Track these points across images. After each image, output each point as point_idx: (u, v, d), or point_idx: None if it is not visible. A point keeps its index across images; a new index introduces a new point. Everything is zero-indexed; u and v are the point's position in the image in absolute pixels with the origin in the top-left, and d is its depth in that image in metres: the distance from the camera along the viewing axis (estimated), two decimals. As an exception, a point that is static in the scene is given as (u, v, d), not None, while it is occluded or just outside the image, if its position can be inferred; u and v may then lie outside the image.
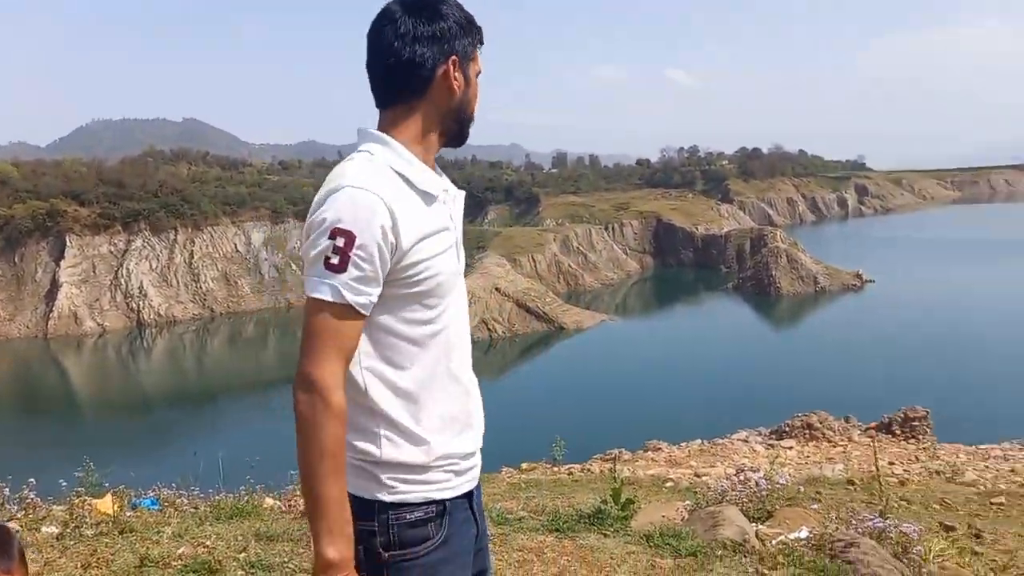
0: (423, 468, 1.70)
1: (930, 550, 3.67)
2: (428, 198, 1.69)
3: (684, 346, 63.29)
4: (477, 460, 1.92)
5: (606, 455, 11.89)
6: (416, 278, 1.65)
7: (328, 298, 1.55)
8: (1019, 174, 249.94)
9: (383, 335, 1.68)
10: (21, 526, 5.12)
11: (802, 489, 6.45)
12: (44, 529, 5.17)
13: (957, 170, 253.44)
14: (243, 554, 4.30)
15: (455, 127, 1.79)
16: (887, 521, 3.77)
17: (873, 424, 13.19)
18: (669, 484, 8.31)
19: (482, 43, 1.82)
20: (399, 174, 1.65)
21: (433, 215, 1.70)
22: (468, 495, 1.84)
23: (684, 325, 75.18)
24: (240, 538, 4.59)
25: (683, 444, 12.64)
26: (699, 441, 12.84)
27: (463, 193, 1.91)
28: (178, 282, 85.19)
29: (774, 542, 3.80)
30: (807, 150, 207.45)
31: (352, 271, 1.55)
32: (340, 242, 1.53)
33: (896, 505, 6.14)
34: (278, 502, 6.19)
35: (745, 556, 3.64)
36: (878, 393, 33.70)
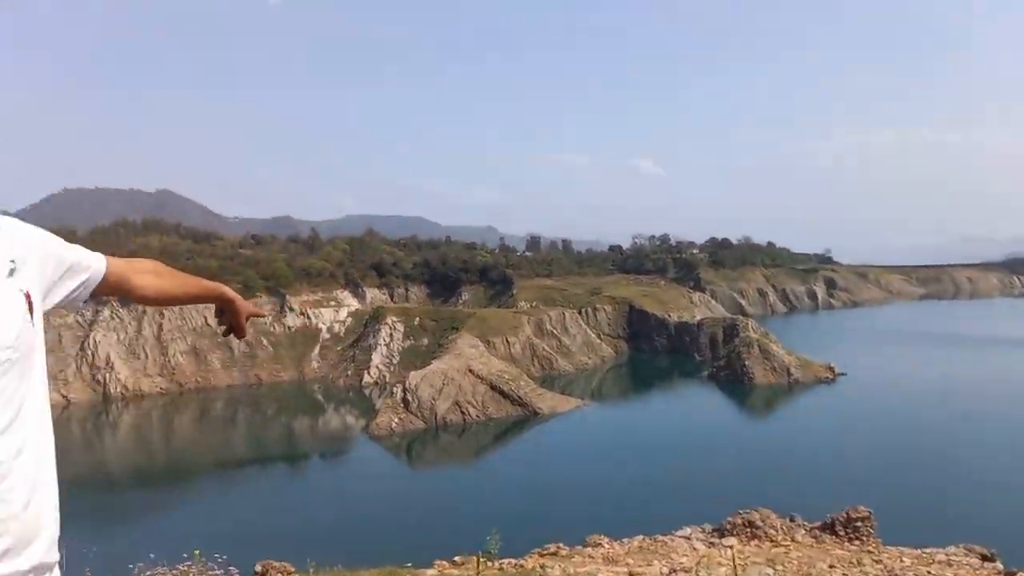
0: None
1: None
2: None
3: (658, 435, 63.30)
4: None
5: (543, 550, 11.95)
6: None
7: None
8: (979, 272, 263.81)
9: None
10: None
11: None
12: None
13: (920, 267, 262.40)
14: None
15: None
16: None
17: (817, 524, 13.42)
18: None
19: None
20: None
21: None
22: None
23: (660, 413, 75.18)
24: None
25: (625, 540, 12.63)
26: (640, 537, 12.74)
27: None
28: (146, 355, 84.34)
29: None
30: (775, 240, 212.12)
31: None
32: None
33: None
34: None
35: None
36: (838, 490, 34.01)
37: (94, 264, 1.98)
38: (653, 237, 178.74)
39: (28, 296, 1.69)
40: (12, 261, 1.68)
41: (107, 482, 58.18)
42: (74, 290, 1.93)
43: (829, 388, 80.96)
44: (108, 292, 2.09)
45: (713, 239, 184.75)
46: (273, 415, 78.17)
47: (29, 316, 1.68)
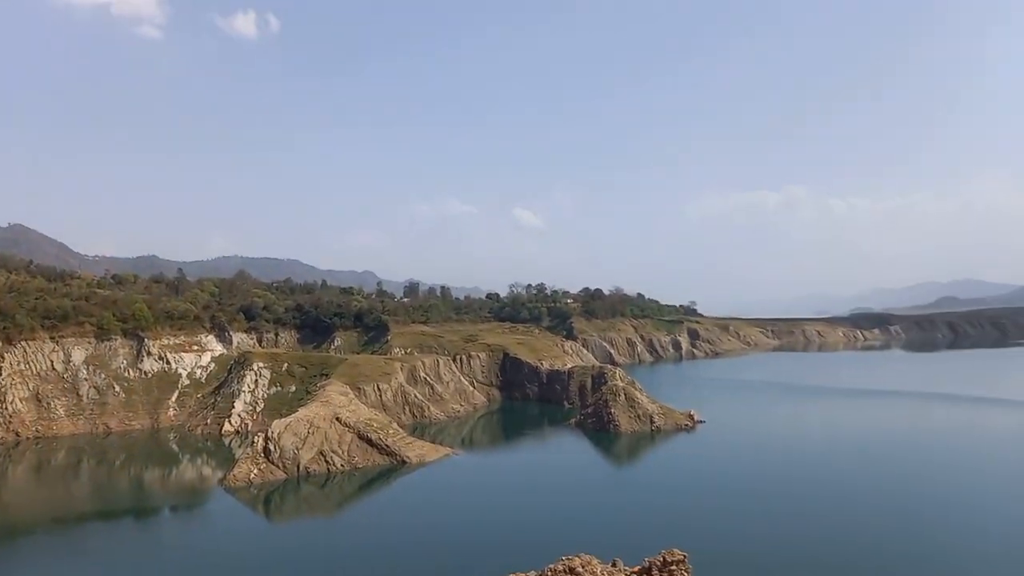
0: None
1: None
2: None
3: (518, 484, 64.13)
4: None
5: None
6: None
7: None
8: (828, 327, 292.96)
9: None
10: None
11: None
12: None
13: (776, 320, 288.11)
14: None
15: None
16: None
17: (636, 568, 13.87)
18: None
19: None
20: None
21: None
22: None
23: (526, 461, 75.82)
24: None
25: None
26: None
27: None
28: (-22, 401, 77.51)
29: None
30: (644, 293, 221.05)
31: None
32: None
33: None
34: None
35: None
36: (677, 534, 35.30)
37: None
38: (530, 286, 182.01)
39: None
40: None
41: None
42: None
43: (689, 435, 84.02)
44: None
45: (586, 289, 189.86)
46: (121, 466, 73.16)
47: None
